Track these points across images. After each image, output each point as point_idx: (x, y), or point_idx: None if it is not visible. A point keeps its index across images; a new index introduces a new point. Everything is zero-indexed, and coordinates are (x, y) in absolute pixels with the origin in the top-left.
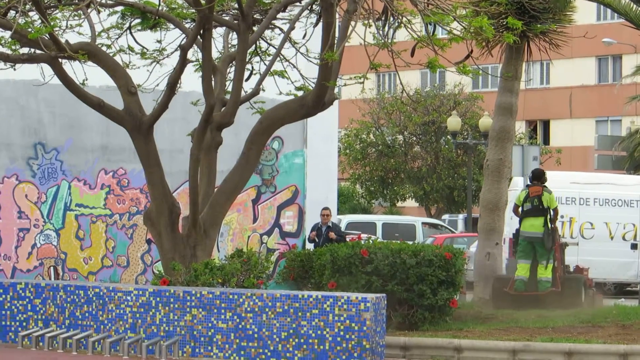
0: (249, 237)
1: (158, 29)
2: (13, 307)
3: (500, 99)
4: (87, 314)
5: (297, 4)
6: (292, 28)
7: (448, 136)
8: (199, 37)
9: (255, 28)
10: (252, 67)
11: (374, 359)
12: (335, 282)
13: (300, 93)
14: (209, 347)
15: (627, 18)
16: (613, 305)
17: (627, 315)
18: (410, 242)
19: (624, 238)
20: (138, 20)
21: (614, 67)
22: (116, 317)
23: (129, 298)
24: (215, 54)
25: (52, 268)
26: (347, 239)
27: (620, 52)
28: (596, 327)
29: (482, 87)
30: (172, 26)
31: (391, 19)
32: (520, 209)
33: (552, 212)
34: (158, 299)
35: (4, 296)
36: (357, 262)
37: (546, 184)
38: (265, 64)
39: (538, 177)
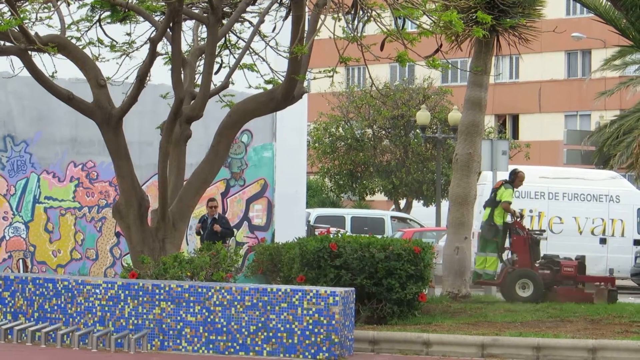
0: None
1: (128, 21)
2: None
3: (470, 93)
4: (55, 307)
5: None
6: (261, 21)
7: (417, 130)
8: (168, 30)
9: (224, 21)
10: (222, 61)
11: (343, 353)
12: (304, 276)
13: (269, 86)
14: (178, 341)
15: (596, 13)
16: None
17: (596, 310)
18: (379, 236)
19: (592, 233)
20: (108, 13)
21: (583, 62)
22: (85, 310)
23: (97, 291)
24: (184, 47)
25: (21, 261)
26: (316, 232)
27: (589, 46)
28: (565, 322)
29: (451, 81)
30: (141, 19)
31: (361, 12)
32: None
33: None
34: (127, 292)
35: None
36: (326, 256)
37: (512, 181)
38: (234, 57)
39: (508, 176)
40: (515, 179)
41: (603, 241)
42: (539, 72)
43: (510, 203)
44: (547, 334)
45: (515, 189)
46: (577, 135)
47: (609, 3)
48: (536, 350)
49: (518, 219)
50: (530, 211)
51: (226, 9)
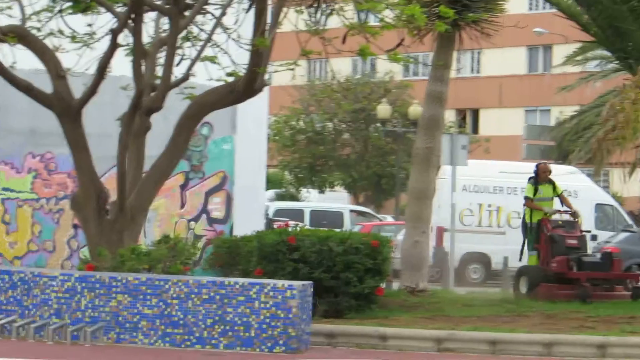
0: (176, 223)
1: (89, 12)
2: None
3: (431, 87)
4: (11, 299)
5: None
6: (223, 13)
7: (377, 124)
8: (130, 21)
9: (187, 13)
10: (183, 52)
11: (300, 347)
12: (262, 269)
13: (231, 79)
14: (134, 333)
15: (559, 8)
16: None
17: (553, 305)
18: (338, 230)
19: None
20: (69, 4)
21: (545, 57)
22: (41, 302)
23: (54, 283)
24: (146, 39)
25: None
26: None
27: (551, 42)
28: (522, 317)
29: (412, 75)
30: (103, 10)
31: (323, 5)
32: None
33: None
34: (84, 284)
35: None
36: (284, 249)
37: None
38: (196, 49)
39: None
40: (538, 172)
41: None
42: (500, 67)
43: (530, 199)
44: (503, 328)
45: (541, 182)
46: (536, 130)
47: None
48: (492, 345)
49: (547, 216)
50: (489, 206)
51: (188, 1)
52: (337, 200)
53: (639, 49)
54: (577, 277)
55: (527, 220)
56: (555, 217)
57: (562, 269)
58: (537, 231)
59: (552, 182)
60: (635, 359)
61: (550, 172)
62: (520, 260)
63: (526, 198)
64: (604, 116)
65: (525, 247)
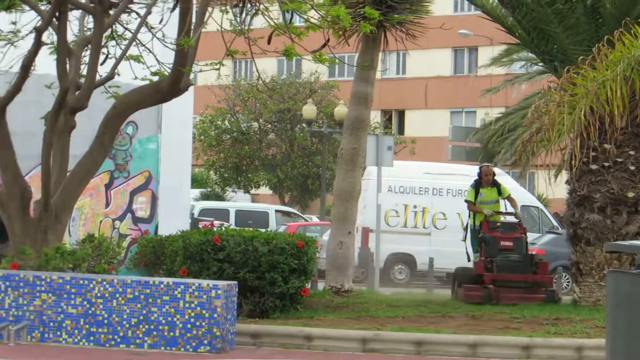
0: (101, 222)
1: (13, 10)
2: None
3: (356, 88)
4: None
5: None
6: (148, 12)
7: (303, 124)
8: (54, 19)
9: (111, 12)
10: (108, 51)
11: (224, 346)
12: (187, 269)
13: (156, 78)
14: (58, 332)
15: (483, 10)
16: None
17: (478, 306)
18: (263, 230)
19: None
20: None
21: (470, 59)
22: None
23: None
24: (70, 37)
25: None
26: (200, 225)
27: (476, 43)
28: (447, 317)
29: (338, 76)
30: (27, 8)
31: (248, 5)
32: None
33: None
34: (7, 283)
35: None
36: (209, 249)
37: (478, 178)
38: (121, 48)
39: None
40: (481, 174)
41: None
42: (426, 68)
43: (471, 202)
44: (428, 329)
45: (484, 185)
46: (462, 131)
47: (495, 1)
48: (417, 345)
49: (486, 218)
50: (415, 207)
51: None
52: (240, 201)
53: (563, 51)
54: (483, 280)
55: (471, 222)
56: (509, 218)
57: (479, 271)
58: (479, 233)
59: (497, 185)
60: None
61: (493, 174)
62: (468, 261)
63: (466, 201)
64: (529, 118)
65: (470, 249)
